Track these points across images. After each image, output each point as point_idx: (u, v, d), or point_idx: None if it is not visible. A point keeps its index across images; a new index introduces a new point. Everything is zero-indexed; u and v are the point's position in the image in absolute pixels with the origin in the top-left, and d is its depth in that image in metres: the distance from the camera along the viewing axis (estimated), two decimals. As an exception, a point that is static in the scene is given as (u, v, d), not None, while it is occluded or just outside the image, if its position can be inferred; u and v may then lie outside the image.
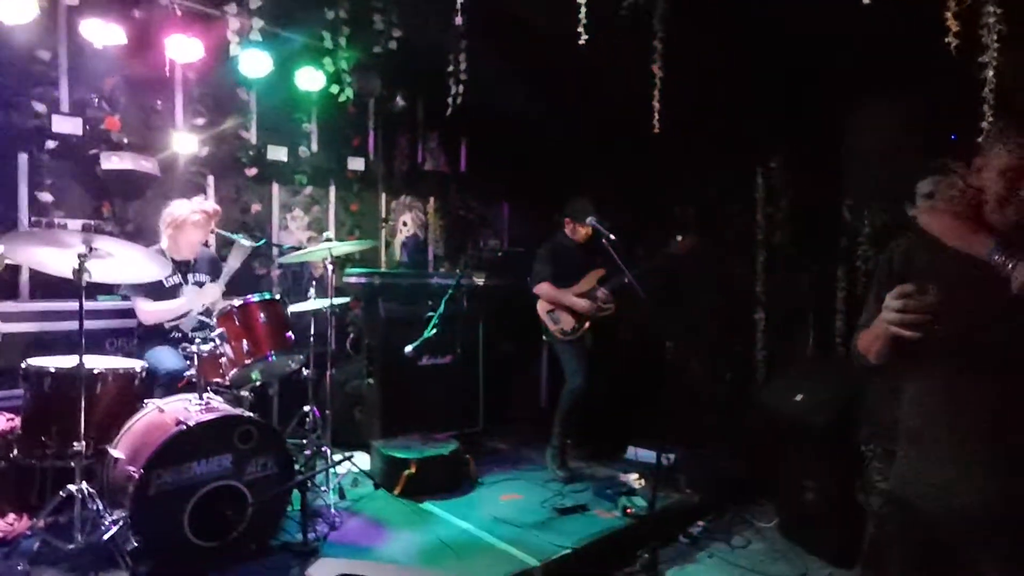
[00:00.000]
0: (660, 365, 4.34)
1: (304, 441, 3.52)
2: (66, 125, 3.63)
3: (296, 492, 2.89)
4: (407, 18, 4.09)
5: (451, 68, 4.10)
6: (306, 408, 3.58)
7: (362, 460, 3.83)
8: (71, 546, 2.47)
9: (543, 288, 4.00)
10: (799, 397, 3.38)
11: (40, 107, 3.58)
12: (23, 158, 3.58)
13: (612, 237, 3.56)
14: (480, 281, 4.75)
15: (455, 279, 4.18)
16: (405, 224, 5.51)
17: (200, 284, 3.52)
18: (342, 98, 4.27)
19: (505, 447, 4.52)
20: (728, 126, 4.29)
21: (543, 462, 4.02)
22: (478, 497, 3.55)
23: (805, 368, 3.95)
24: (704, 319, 4.73)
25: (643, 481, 3.75)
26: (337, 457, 3.45)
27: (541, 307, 4.05)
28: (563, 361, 4.00)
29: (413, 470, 3.48)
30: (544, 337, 4.10)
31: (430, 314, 3.78)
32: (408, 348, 3.59)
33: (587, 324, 3.98)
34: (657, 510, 3.07)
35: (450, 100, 4.17)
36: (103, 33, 3.42)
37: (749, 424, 3.94)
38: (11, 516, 2.76)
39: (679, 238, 4.08)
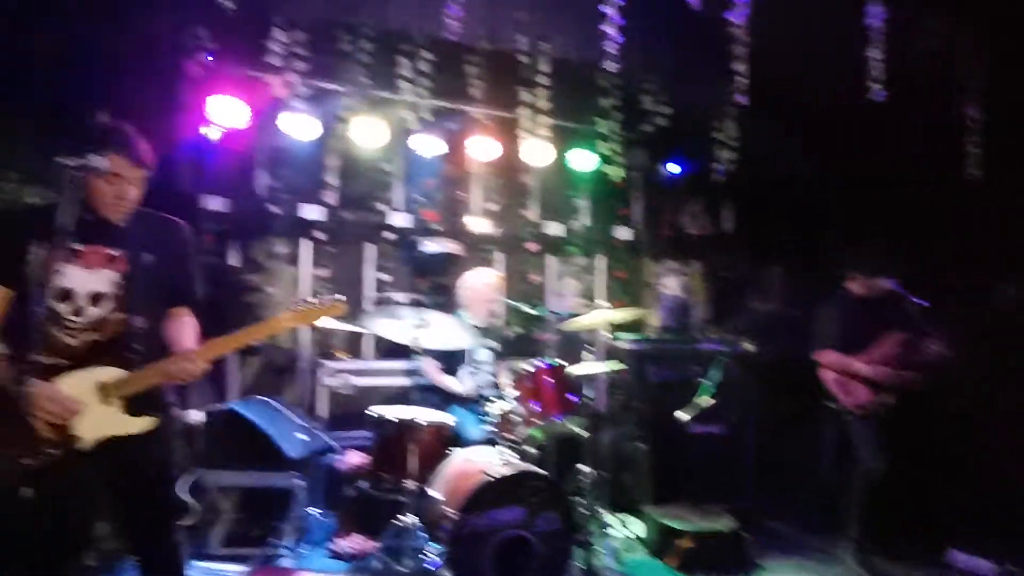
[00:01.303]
0: (987, 448, 3.61)
1: (581, 500, 3.69)
2: (399, 219, 4.57)
3: (578, 550, 3.05)
4: (675, 96, 4.28)
5: (717, 135, 4.15)
6: (581, 468, 3.78)
7: (635, 526, 3.86)
8: (402, 569, 2.96)
9: (828, 356, 3.67)
10: None
11: (382, 207, 4.57)
12: (369, 247, 4.58)
13: (914, 300, 3.14)
14: (752, 347, 4.54)
15: (726, 345, 4.07)
16: (668, 288, 5.57)
17: (492, 349, 4.00)
18: (613, 175, 4.60)
19: (784, 529, 4.13)
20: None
21: (833, 552, 3.59)
22: (764, 584, 3.31)
23: None
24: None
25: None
26: (613, 520, 3.54)
27: (828, 375, 3.69)
28: (856, 439, 3.57)
29: (689, 543, 3.41)
30: (831, 407, 3.71)
31: (700, 380, 3.74)
32: (679, 413, 3.59)
33: (888, 397, 3.51)
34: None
35: (717, 165, 4.21)
36: (430, 146, 4.27)
37: None
38: (359, 537, 3.40)
39: (1007, 290, 3.40)
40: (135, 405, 1.94)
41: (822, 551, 3.72)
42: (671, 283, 5.57)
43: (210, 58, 3.57)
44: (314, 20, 3.51)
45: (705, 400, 3.60)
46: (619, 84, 4.29)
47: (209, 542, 3.35)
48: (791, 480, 4.52)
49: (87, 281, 1.93)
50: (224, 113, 3.73)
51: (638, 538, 3.69)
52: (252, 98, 3.77)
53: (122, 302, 1.96)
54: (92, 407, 1.89)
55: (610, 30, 3.26)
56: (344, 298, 2.14)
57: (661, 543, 3.53)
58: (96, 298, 1.94)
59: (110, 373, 1.92)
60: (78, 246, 1.93)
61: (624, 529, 3.62)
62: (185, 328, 2.12)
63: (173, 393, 2.12)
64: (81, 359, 1.91)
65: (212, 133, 3.84)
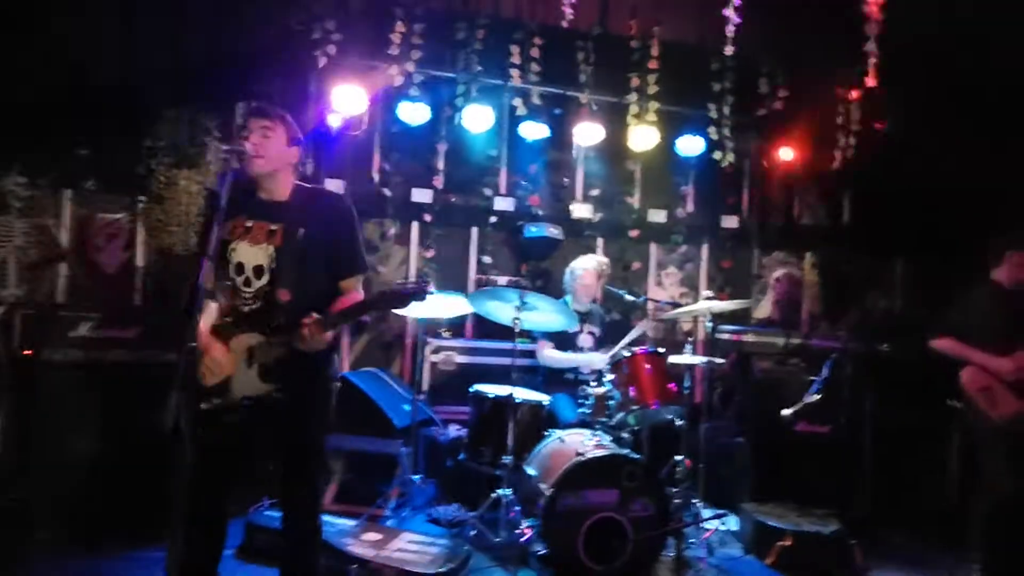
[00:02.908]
0: None
1: (674, 490, 3.67)
2: (503, 204, 4.70)
3: (670, 538, 3.04)
4: (793, 78, 4.07)
5: (840, 121, 3.91)
6: (677, 458, 3.74)
7: (729, 521, 3.78)
8: (497, 540, 3.09)
9: (943, 343, 3.25)
10: None
11: (488, 192, 4.71)
12: (474, 230, 4.73)
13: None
14: (867, 346, 4.27)
15: (839, 342, 3.86)
16: (778, 280, 5.33)
17: (593, 335, 4.04)
18: (723, 162, 4.45)
19: (902, 542, 3.87)
20: None
21: (955, 571, 3.34)
22: (869, 593, 3.15)
23: None
24: None
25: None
26: (708, 513, 3.49)
27: (971, 380, 3.22)
28: (985, 456, 3.22)
29: (789, 543, 3.30)
30: (961, 413, 3.38)
31: (810, 378, 3.58)
32: (786, 412, 3.46)
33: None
34: None
35: (838, 152, 3.97)
36: (534, 130, 4.34)
37: None
38: (456, 505, 3.58)
39: None
40: (267, 371, 2.14)
41: (943, 568, 3.47)
42: (780, 275, 5.33)
43: (335, 49, 3.81)
44: (430, 10, 3.65)
45: (813, 398, 3.45)
46: (733, 66, 4.14)
47: (324, 497, 3.65)
48: (912, 489, 4.21)
49: (252, 255, 2.15)
50: (345, 101, 3.98)
51: (734, 534, 3.61)
52: (370, 86, 3.99)
53: (274, 275, 2.15)
54: (240, 368, 2.13)
55: (727, 11, 3.15)
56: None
57: (757, 540, 3.44)
58: (258, 270, 2.15)
59: (255, 339, 2.14)
60: (249, 223, 2.15)
61: (719, 522, 3.55)
62: (348, 302, 2.19)
63: (319, 363, 2.23)
64: (248, 325, 2.14)
65: (334, 120, 4.11)
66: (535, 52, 3.80)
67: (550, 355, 3.91)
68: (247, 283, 2.15)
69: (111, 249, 4.24)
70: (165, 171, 4.22)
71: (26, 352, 3.18)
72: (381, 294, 2.18)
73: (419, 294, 2.08)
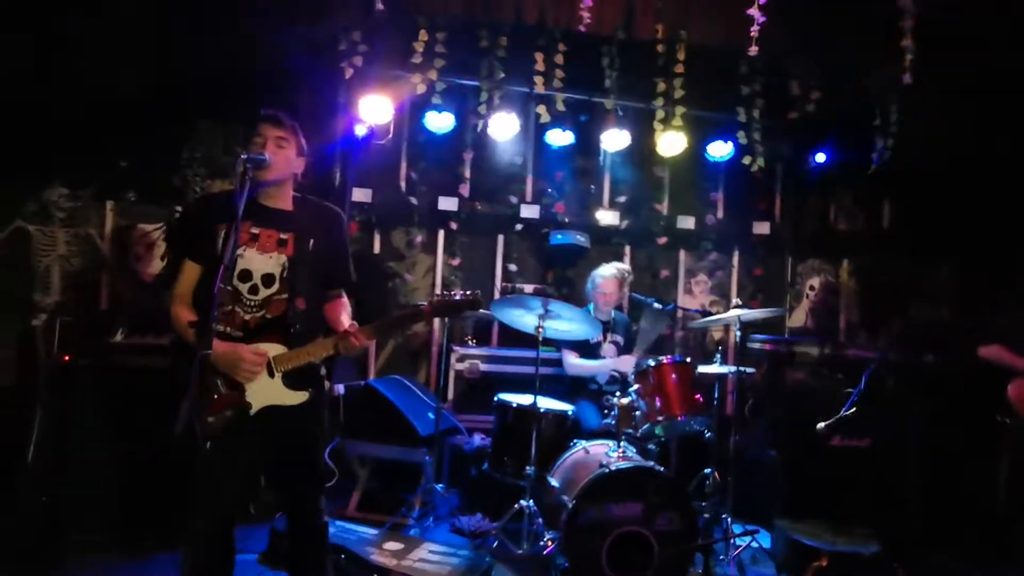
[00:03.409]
0: None
1: (704, 504, 3.57)
2: (529, 211, 4.68)
3: (698, 554, 2.95)
4: (826, 79, 3.95)
5: (878, 122, 3.77)
6: (706, 471, 3.64)
7: (761, 538, 3.65)
8: (519, 551, 3.04)
9: (992, 351, 3.18)
10: None
11: (514, 199, 4.70)
12: (500, 238, 4.72)
13: None
14: (910, 357, 4.09)
15: (879, 353, 3.71)
16: (812, 288, 5.17)
17: (616, 344, 3.97)
18: (753, 167, 4.34)
19: (947, 564, 3.67)
20: None
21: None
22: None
23: None
24: None
25: None
26: (738, 529, 3.38)
27: (1019, 392, 3.16)
28: None
29: (824, 564, 3.16)
30: (1008, 426, 3.22)
31: (848, 390, 3.44)
32: (821, 425, 3.33)
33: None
34: None
35: (875, 155, 3.83)
36: (559, 137, 4.31)
37: None
38: (479, 515, 3.55)
39: None
40: (293, 379, 2.15)
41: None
42: (815, 282, 5.16)
43: (361, 60, 3.86)
44: (454, 19, 3.66)
45: (850, 411, 3.31)
46: (762, 69, 4.04)
47: (347, 504, 3.66)
48: (959, 508, 4.01)
49: (262, 263, 2.16)
50: (371, 110, 4.02)
51: (766, 551, 3.49)
52: (396, 95, 4.02)
53: (286, 283, 2.17)
54: (260, 378, 2.13)
55: (754, 11, 3.07)
56: (480, 293, 2.24)
57: (791, 559, 3.31)
58: (268, 279, 2.17)
59: (277, 348, 2.15)
60: (255, 229, 2.17)
61: (750, 539, 3.43)
62: (343, 309, 2.32)
63: (320, 368, 2.30)
64: (252, 334, 2.14)
65: (360, 129, 4.15)
66: (559, 58, 3.76)
67: (575, 363, 3.86)
68: (253, 290, 2.16)
69: (149, 258, 4.36)
70: (200, 182, 4.33)
71: (65, 358, 3.28)
72: (438, 302, 2.22)
73: (474, 305, 2.16)
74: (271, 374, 2.13)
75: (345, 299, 2.37)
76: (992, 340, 3.19)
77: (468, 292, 2.22)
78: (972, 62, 3.32)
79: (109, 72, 3.70)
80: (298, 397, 2.15)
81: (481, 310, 3.28)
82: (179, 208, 4.30)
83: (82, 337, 3.36)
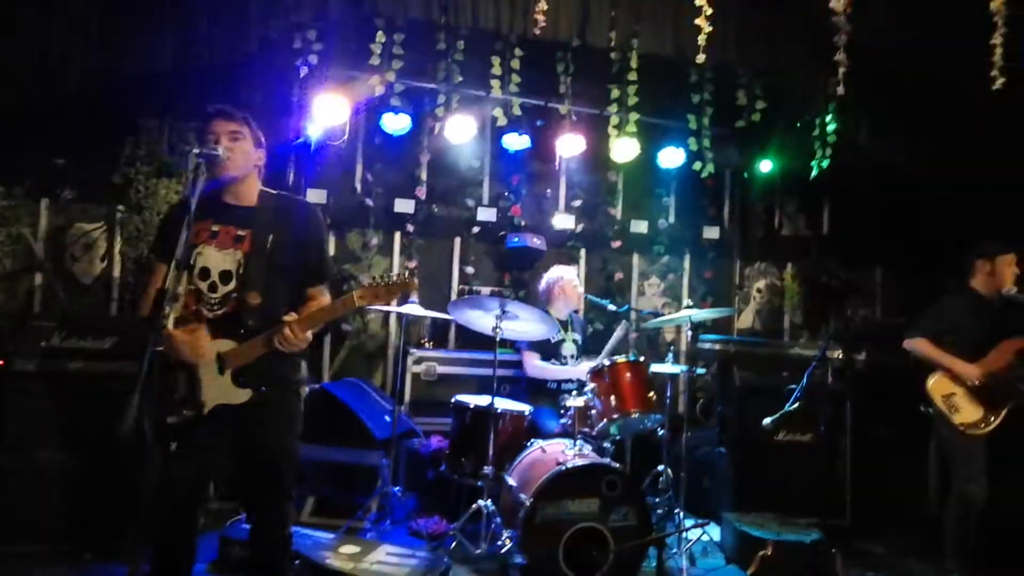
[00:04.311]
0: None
1: (656, 500, 3.66)
2: (485, 214, 4.71)
3: (652, 548, 3.02)
4: (770, 90, 4.13)
5: (816, 132, 3.97)
6: (659, 468, 3.74)
7: (711, 530, 3.77)
8: (477, 551, 3.05)
9: (917, 344, 3.31)
10: None
11: (470, 202, 4.73)
12: (457, 241, 4.74)
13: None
14: (847, 354, 4.30)
15: (819, 351, 3.88)
16: (759, 291, 5.37)
17: (576, 342, 4.03)
18: (703, 173, 4.49)
19: (882, 551, 3.87)
20: None
21: (934, 579, 3.35)
22: (847, 601, 3.15)
23: None
24: None
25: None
26: (690, 523, 3.48)
27: (936, 387, 3.32)
28: (954, 459, 3.28)
29: (769, 552, 3.29)
30: (931, 419, 3.43)
31: (791, 387, 3.59)
32: (766, 421, 3.47)
33: (1001, 416, 3.22)
34: None
35: (814, 164, 4.03)
36: (516, 142, 4.37)
37: None
38: (436, 517, 3.54)
39: None
40: (242, 376, 2.10)
41: (921, 576, 3.48)
42: (761, 285, 5.37)
43: (316, 59, 3.82)
44: (411, 21, 3.67)
45: (794, 408, 3.46)
46: (711, 78, 4.20)
47: (301, 509, 3.59)
48: (891, 498, 4.23)
49: (219, 260, 2.13)
50: (327, 111, 3.97)
51: (716, 544, 3.60)
52: (352, 96, 4.00)
53: (242, 279, 2.13)
54: (211, 375, 2.08)
55: (701, 22, 3.19)
56: (414, 274, 2.20)
57: (739, 550, 3.43)
58: (224, 276, 2.13)
59: (228, 345, 2.10)
60: (215, 227, 2.13)
61: (700, 532, 3.54)
62: (318, 306, 2.20)
63: (287, 368, 2.22)
64: (214, 331, 2.09)
65: (315, 130, 4.11)
66: (515, 63, 3.82)
67: (538, 366, 3.88)
68: (212, 288, 2.13)
69: (88, 259, 4.19)
70: (144, 180, 4.19)
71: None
72: (369, 287, 2.15)
73: (407, 288, 2.11)
74: (220, 371, 2.09)
75: (325, 298, 2.27)
76: (916, 333, 3.38)
77: (400, 274, 2.16)
78: (902, 74, 3.54)
79: (49, 65, 3.55)
80: (244, 395, 2.10)
81: (413, 297, 3.28)
82: (120, 207, 4.17)
83: (15, 341, 3.20)
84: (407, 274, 2.20)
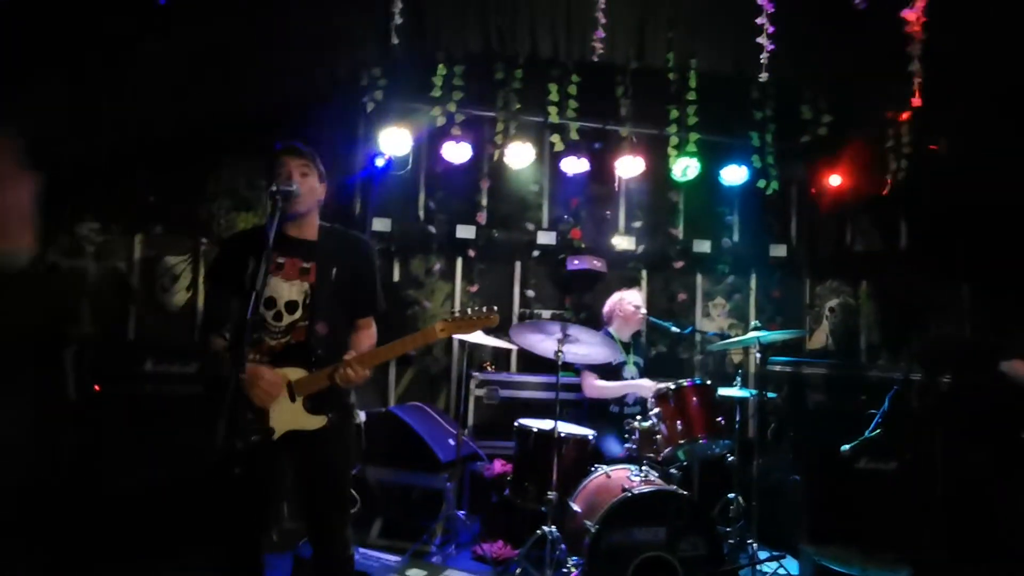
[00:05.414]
0: None
1: (728, 529, 3.52)
2: (545, 238, 4.74)
3: (725, 580, 2.91)
4: (838, 102, 4.00)
5: (890, 144, 3.81)
6: (730, 495, 3.60)
7: (788, 564, 3.59)
8: (542, 579, 3.01)
9: (1016, 366, 3.15)
10: None
11: (530, 226, 4.77)
12: (517, 264, 4.78)
13: None
14: (932, 377, 4.04)
15: (901, 373, 3.67)
16: (832, 311, 5.15)
17: (638, 364, 3.97)
18: (768, 190, 4.38)
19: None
20: None
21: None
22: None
23: None
24: None
25: None
26: (764, 555, 3.33)
27: None
28: None
29: (853, 588, 3.11)
30: None
31: (871, 411, 3.41)
32: (845, 448, 3.31)
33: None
34: None
35: (889, 176, 3.86)
36: (575, 165, 4.40)
37: None
38: (500, 542, 3.53)
39: None
40: (314, 404, 2.19)
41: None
42: (834, 304, 5.14)
43: (381, 95, 3.98)
44: (470, 53, 3.77)
45: (875, 434, 3.28)
46: (773, 94, 4.11)
47: (368, 531, 3.66)
48: (990, 530, 3.91)
49: (285, 291, 2.23)
50: (391, 142, 4.13)
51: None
52: (415, 127, 4.14)
53: (308, 310, 2.22)
54: (282, 402, 2.17)
55: (763, 39, 3.14)
56: (496, 309, 2.24)
57: (819, 584, 3.25)
58: (291, 306, 2.23)
59: (297, 373, 2.19)
60: (280, 259, 2.23)
61: (776, 566, 3.37)
62: (366, 338, 2.36)
63: (347, 394, 2.32)
64: (278, 360, 2.19)
65: (380, 160, 4.26)
66: (572, 89, 3.86)
67: (597, 385, 3.84)
68: (277, 317, 2.21)
69: (175, 290, 4.46)
70: (225, 214, 4.46)
71: (96, 387, 3.36)
72: (453, 320, 2.23)
73: (489, 324, 2.19)
74: (292, 398, 2.17)
75: (373, 329, 2.39)
76: (1013, 353, 3.16)
77: (482, 308, 2.21)
78: (982, 82, 3.36)
79: (140, 109, 3.85)
80: (318, 422, 2.18)
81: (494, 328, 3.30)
82: (204, 239, 4.43)
83: (112, 367, 3.44)
84: (488, 309, 2.24)
